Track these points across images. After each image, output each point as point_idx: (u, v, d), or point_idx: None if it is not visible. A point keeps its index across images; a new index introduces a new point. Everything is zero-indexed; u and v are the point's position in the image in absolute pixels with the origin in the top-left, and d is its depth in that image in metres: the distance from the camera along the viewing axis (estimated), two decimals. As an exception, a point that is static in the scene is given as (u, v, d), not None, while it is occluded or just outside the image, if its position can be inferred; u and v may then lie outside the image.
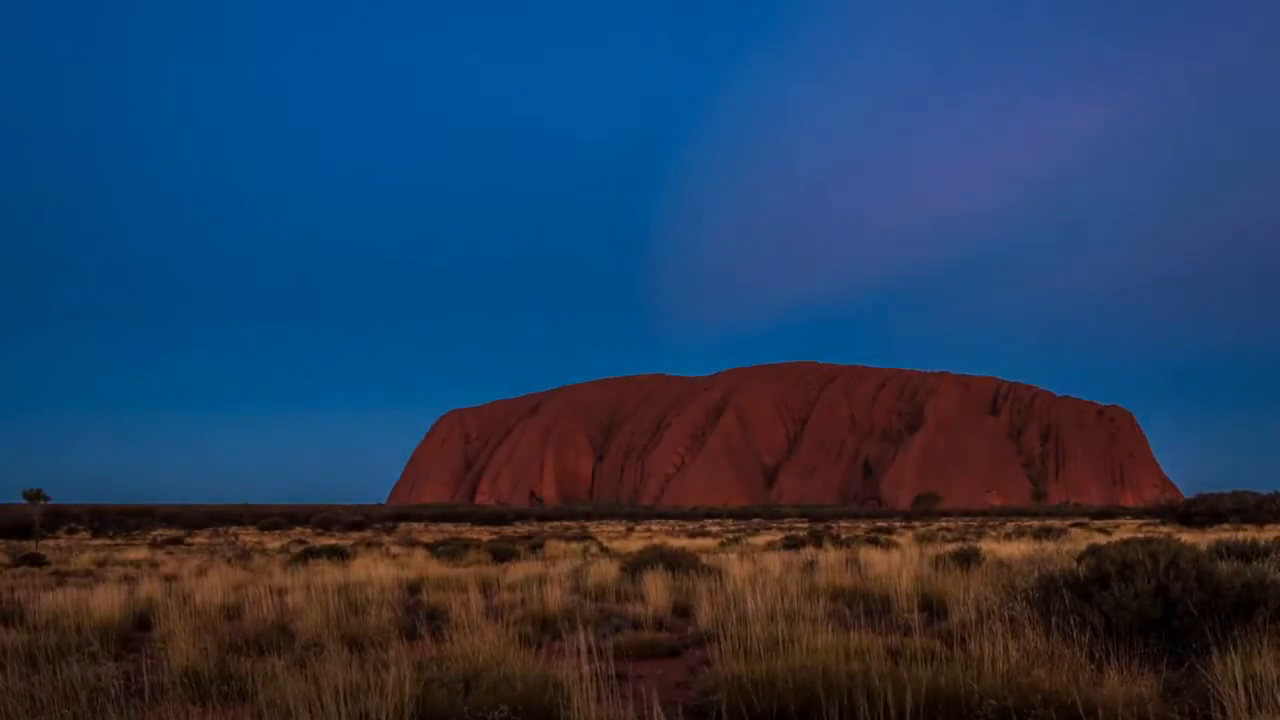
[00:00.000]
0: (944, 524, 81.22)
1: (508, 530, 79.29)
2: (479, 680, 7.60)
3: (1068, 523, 69.82)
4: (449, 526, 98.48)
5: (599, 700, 6.90)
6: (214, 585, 16.84)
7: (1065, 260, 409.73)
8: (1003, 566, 16.95)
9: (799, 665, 7.74)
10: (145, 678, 8.73)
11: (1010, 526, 56.91)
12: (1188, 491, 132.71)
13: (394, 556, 28.04)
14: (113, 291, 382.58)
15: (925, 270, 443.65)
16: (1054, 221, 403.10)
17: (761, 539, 42.84)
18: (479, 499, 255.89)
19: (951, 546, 24.17)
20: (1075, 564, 10.03)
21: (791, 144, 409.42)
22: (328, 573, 19.25)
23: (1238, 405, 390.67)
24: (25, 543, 56.52)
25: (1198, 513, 63.01)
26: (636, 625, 12.78)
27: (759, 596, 11.75)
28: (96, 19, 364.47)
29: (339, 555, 25.96)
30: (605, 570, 18.40)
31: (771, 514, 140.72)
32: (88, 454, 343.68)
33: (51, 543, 59.28)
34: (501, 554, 28.33)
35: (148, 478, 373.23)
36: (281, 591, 15.64)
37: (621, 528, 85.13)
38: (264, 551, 36.68)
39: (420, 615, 13.18)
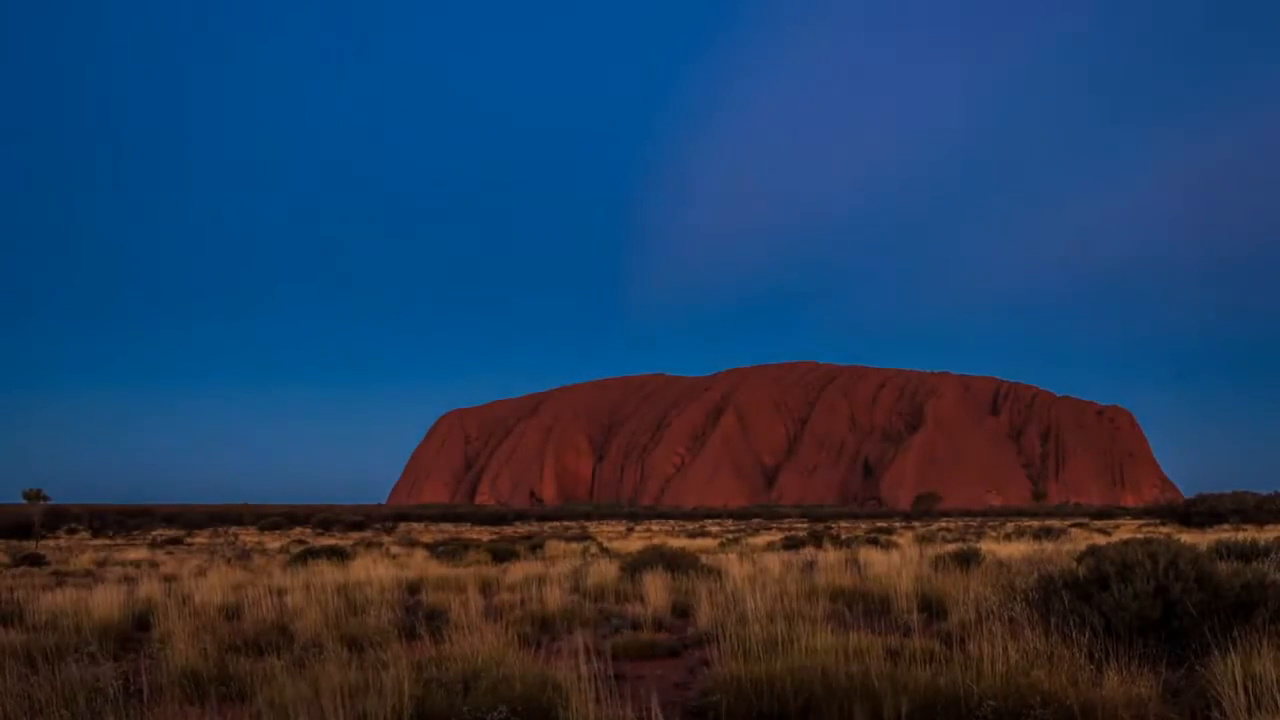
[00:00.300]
0: (944, 524, 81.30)
1: (507, 530, 79.28)
2: (478, 681, 7.59)
3: (1067, 523, 69.85)
4: (449, 526, 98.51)
5: (598, 701, 6.88)
6: (213, 585, 16.82)
7: (1065, 259, 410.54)
8: (1002, 567, 16.95)
9: (798, 666, 7.74)
10: (144, 678, 8.71)
11: (1010, 527, 56.92)
12: (1188, 491, 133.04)
13: (394, 557, 28.01)
14: (113, 290, 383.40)
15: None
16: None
17: (761, 539, 42.85)
18: (479, 499, 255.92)
19: (951, 547, 24.18)
20: (1075, 564, 10.02)
21: (791, 143, 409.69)
22: (327, 573, 19.22)
23: (1238, 405, 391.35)
24: (25, 543, 56.54)
25: (1198, 513, 63.04)
26: (636, 626, 12.74)
27: (758, 597, 11.75)
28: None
29: (339, 555, 25.92)
30: (605, 570, 18.35)
31: (771, 514, 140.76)
32: (88, 454, 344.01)
33: (51, 543, 59.27)
34: (501, 554, 28.32)
35: (148, 478, 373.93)
36: (281, 592, 15.60)
37: (621, 528, 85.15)
38: (264, 552, 36.67)
39: (420, 615, 13.14)
